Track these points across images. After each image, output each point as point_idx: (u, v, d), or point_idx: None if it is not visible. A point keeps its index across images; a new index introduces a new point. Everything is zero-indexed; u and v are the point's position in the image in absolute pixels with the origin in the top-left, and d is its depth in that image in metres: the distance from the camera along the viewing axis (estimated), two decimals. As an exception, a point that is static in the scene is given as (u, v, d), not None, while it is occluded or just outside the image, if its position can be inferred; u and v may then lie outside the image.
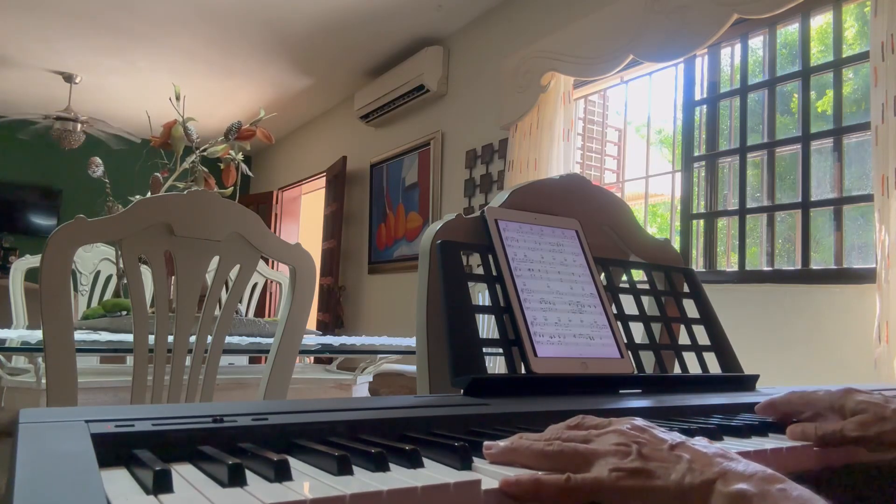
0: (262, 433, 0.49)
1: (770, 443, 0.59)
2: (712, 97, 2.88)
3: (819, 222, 2.49)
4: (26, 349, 1.54)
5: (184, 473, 0.42)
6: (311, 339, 2.14)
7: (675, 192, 3.04)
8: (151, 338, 1.31)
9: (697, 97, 2.93)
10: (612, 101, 3.79)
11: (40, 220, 6.73)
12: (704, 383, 0.94)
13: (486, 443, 0.51)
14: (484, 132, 4.07)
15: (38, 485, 0.34)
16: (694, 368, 0.99)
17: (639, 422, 0.50)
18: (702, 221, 2.87)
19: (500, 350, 0.83)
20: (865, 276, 2.20)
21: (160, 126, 2.30)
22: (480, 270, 0.87)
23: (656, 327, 1.01)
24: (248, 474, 0.39)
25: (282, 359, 1.47)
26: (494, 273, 0.87)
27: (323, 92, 5.74)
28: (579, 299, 0.90)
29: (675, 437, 0.47)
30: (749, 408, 0.74)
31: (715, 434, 0.60)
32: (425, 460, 0.46)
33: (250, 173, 2.56)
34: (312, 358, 3.60)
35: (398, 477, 0.41)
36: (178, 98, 2.27)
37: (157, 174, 2.22)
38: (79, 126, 5.06)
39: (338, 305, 5.52)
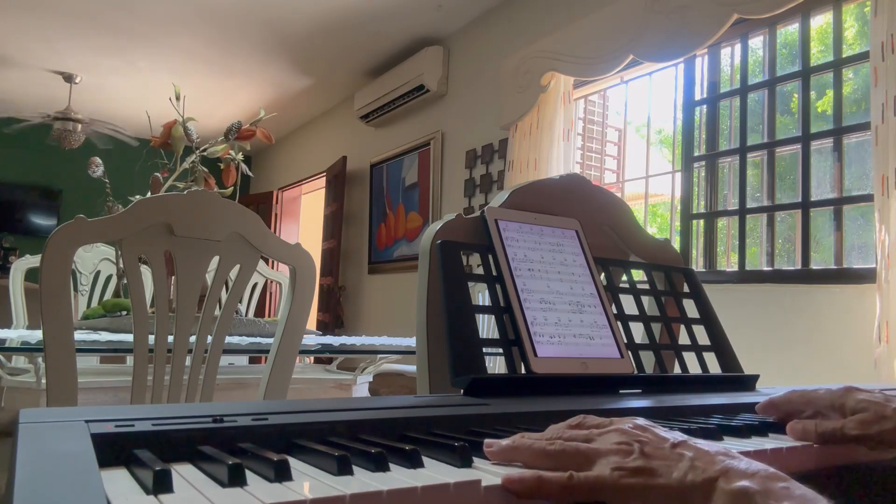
0: (262, 433, 0.49)
1: (770, 443, 0.59)
2: (712, 97, 2.88)
3: (819, 222, 2.49)
4: (26, 349, 1.54)
5: (184, 473, 0.42)
6: (311, 339, 2.14)
7: (675, 192, 3.04)
8: (151, 338, 1.31)
9: (697, 97, 2.93)
10: (612, 101, 3.79)
11: (40, 220, 6.73)
12: (704, 383, 0.94)
13: (486, 441, 0.51)
14: (484, 132, 4.07)
15: (38, 485, 0.34)
16: (694, 368, 0.99)
17: (640, 421, 0.50)
18: (702, 221, 2.87)
19: (500, 350, 0.83)
20: (865, 276, 2.20)
21: (160, 126, 2.30)
22: (480, 270, 0.87)
23: (656, 327, 1.01)
24: (248, 474, 0.39)
25: (282, 359, 1.47)
26: (494, 273, 0.87)
27: (323, 92, 5.74)
28: (579, 299, 0.90)
29: (678, 435, 0.47)
30: (749, 408, 0.74)
31: (715, 434, 0.60)
32: (425, 460, 0.46)
33: (250, 173, 2.56)
34: (312, 358, 3.60)
35: (398, 477, 0.41)
36: (178, 98, 2.27)
37: (157, 174, 2.22)
38: (79, 126, 5.06)
39: (338, 305, 5.52)
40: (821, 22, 2.68)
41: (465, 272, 0.83)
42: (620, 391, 0.85)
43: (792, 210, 2.55)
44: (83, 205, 2.71)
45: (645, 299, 1.01)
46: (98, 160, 2.37)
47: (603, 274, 1.00)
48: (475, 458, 0.48)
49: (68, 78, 5.38)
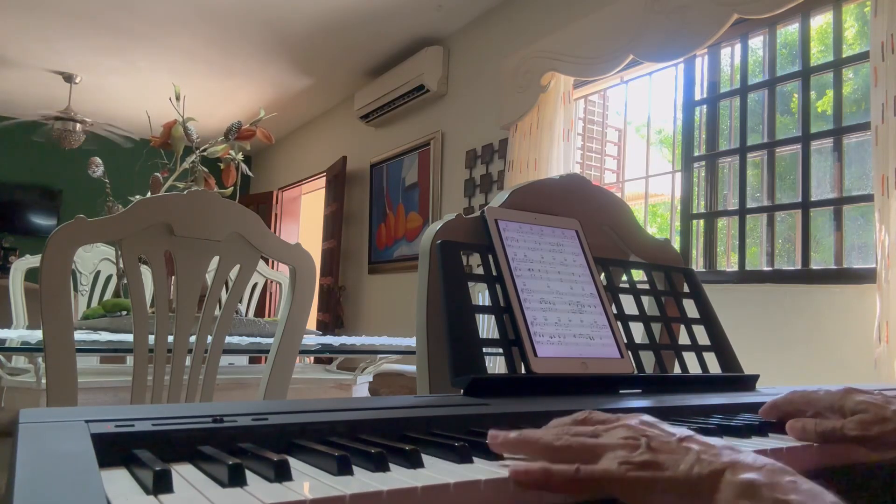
0: (262, 433, 0.49)
1: (770, 443, 0.59)
2: (712, 97, 2.88)
3: (819, 222, 2.49)
4: (26, 349, 1.54)
5: (184, 473, 0.42)
6: (311, 339, 2.14)
7: (675, 192, 3.04)
8: (151, 338, 1.31)
9: (697, 97, 2.93)
10: (612, 101, 3.79)
11: (40, 220, 6.73)
12: (704, 383, 0.94)
13: (491, 432, 0.51)
14: (484, 132, 4.07)
15: (38, 485, 0.34)
16: (694, 368, 0.99)
17: (646, 418, 0.50)
18: (702, 221, 2.87)
19: (500, 350, 0.83)
20: (865, 276, 2.20)
21: (160, 126, 2.30)
22: (480, 270, 0.87)
23: (656, 327, 1.01)
24: (248, 474, 0.39)
25: (282, 359, 1.47)
26: (494, 273, 0.87)
27: (323, 92, 5.74)
28: (579, 299, 0.90)
29: (684, 431, 0.47)
30: (749, 408, 0.74)
31: (715, 434, 0.60)
32: (425, 460, 0.46)
33: (250, 173, 2.56)
34: (312, 358, 3.60)
35: (398, 477, 0.41)
36: (178, 98, 2.27)
37: (157, 174, 2.22)
38: (79, 126, 5.06)
39: (338, 305, 5.52)
40: (821, 22, 2.69)
41: (465, 272, 0.83)
42: (620, 391, 0.85)
43: (792, 210, 2.55)
44: (83, 205, 2.71)
45: (645, 299, 1.01)
46: (98, 160, 2.37)
47: (603, 274, 1.00)
48: (475, 458, 0.48)
49: (68, 78, 5.38)
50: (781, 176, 2.67)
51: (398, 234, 4.93)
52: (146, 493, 0.37)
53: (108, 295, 2.81)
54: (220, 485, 0.39)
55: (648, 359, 0.97)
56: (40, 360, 1.69)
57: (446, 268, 0.82)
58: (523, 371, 0.80)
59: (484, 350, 0.78)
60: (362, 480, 0.40)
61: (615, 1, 3.09)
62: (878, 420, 0.59)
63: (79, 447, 0.40)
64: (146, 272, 1.87)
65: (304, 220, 7.17)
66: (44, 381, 1.47)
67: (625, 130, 3.79)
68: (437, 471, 0.43)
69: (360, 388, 2.39)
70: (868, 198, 2.23)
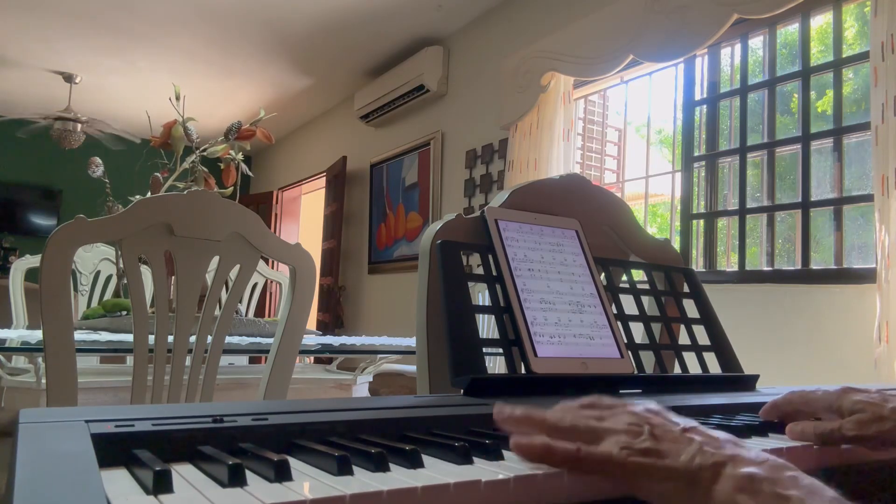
0: (262, 433, 0.49)
1: (770, 443, 0.59)
2: (712, 97, 2.88)
3: (819, 222, 2.49)
4: (26, 349, 1.54)
5: (184, 473, 0.42)
6: (311, 339, 2.14)
7: (675, 192, 3.04)
8: (151, 338, 1.31)
9: (697, 97, 2.93)
10: (612, 101, 3.79)
11: (40, 220, 6.73)
12: (704, 383, 0.94)
13: (497, 406, 0.51)
14: (484, 132, 4.07)
15: (38, 485, 0.34)
16: (694, 368, 0.99)
17: (652, 405, 0.50)
18: (702, 221, 2.87)
19: (500, 350, 0.83)
20: (865, 276, 2.20)
21: (160, 126, 2.30)
22: (480, 270, 0.87)
23: (656, 327, 1.01)
24: (248, 474, 0.39)
25: (282, 359, 1.47)
26: (494, 273, 0.87)
27: (323, 92, 5.74)
28: (579, 299, 0.90)
29: (689, 421, 0.48)
30: (749, 408, 0.74)
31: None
32: (425, 460, 0.46)
33: (250, 173, 2.56)
34: (312, 358, 3.60)
35: (398, 477, 0.41)
36: (178, 98, 2.27)
37: (157, 174, 2.22)
38: (79, 126, 5.06)
39: (338, 305, 5.52)
40: (821, 22, 2.69)
41: (465, 272, 0.83)
42: (620, 391, 0.85)
43: (792, 210, 2.55)
44: (83, 205, 2.71)
45: (645, 299, 1.01)
46: (98, 160, 2.37)
47: (603, 274, 1.00)
48: (475, 458, 0.48)
49: (68, 78, 5.38)
50: (781, 176, 2.68)
51: (398, 234, 4.93)
52: (146, 493, 0.37)
53: (108, 295, 2.81)
54: (221, 485, 0.39)
55: (648, 359, 0.97)
56: (40, 360, 1.69)
57: (446, 268, 0.82)
58: (523, 371, 0.80)
59: (484, 350, 0.78)
60: (362, 480, 0.40)
61: (615, 1, 3.09)
62: (876, 419, 0.59)
63: (79, 447, 0.40)
64: (146, 272, 1.87)
65: (304, 220, 7.17)
66: (44, 381, 1.47)
67: (625, 130, 3.79)
68: (437, 471, 0.43)
69: (360, 388, 2.39)
70: (868, 198, 2.23)
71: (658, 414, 0.49)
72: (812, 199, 2.45)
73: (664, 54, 2.83)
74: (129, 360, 2.00)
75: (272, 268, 3.17)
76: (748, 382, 0.97)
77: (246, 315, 2.97)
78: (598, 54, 3.12)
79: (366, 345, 2.09)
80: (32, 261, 2.65)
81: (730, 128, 2.84)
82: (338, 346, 2.00)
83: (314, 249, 4.50)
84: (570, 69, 3.30)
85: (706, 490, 0.41)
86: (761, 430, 0.64)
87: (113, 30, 4.54)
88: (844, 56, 2.42)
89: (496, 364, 2.27)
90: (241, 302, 2.92)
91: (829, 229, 2.42)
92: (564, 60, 3.31)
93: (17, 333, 1.69)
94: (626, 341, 0.91)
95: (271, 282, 3.86)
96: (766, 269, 2.61)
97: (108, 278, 2.84)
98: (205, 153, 2.26)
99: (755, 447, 0.56)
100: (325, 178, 5.97)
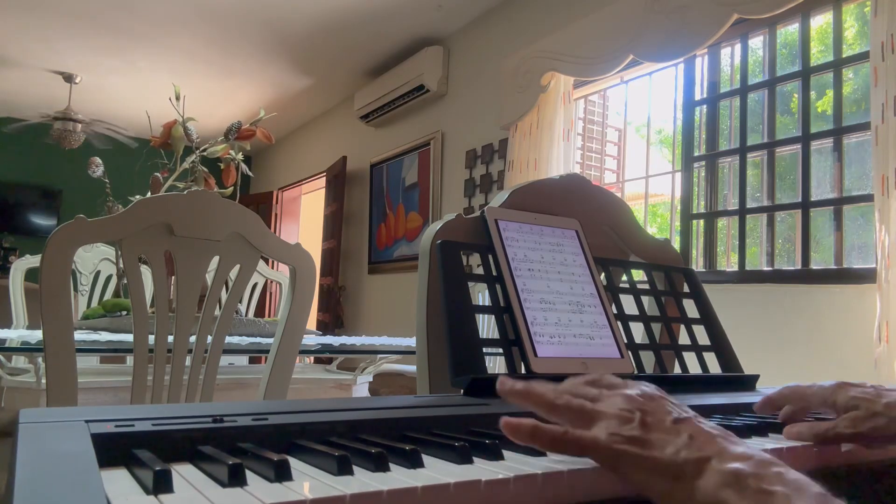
0: (262, 433, 0.49)
1: (770, 443, 0.59)
2: (712, 97, 2.88)
3: (819, 222, 2.49)
4: (26, 349, 1.54)
5: (184, 473, 0.42)
6: (311, 339, 2.14)
7: (675, 192, 3.04)
8: (151, 338, 1.31)
9: (697, 97, 2.93)
10: (612, 101, 3.79)
11: (40, 220, 6.73)
12: (704, 383, 0.94)
13: (501, 377, 0.52)
14: (484, 132, 4.07)
15: (38, 485, 0.34)
16: (694, 368, 0.99)
17: (650, 389, 0.50)
18: (702, 221, 2.87)
19: (500, 350, 0.83)
20: (865, 276, 2.20)
21: (160, 126, 2.30)
22: (480, 270, 0.87)
23: (656, 327, 1.01)
24: (248, 474, 0.39)
25: (282, 359, 1.47)
26: (494, 273, 0.87)
27: (323, 92, 5.74)
28: (579, 299, 0.90)
29: (683, 412, 0.47)
30: (749, 408, 0.74)
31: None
32: (425, 460, 0.46)
33: (250, 173, 2.56)
34: (312, 358, 3.60)
35: (398, 477, 0.41)
36: (178, 98, 2.27)
37: (157, 174, 2.22)
38: (79, 126, 5.06)
39: (338, 305, 5.52)
40: (821, 22, 2.69)
41: (465, 272, 0.83)
42: (620, 391, 0.85)
43: (792, 210, 2.55)
44: (83, 205, 2.71)
45: (645, 299, 1.01)
46: (98, 160, 2.37)
47: (603, 274, 1.00)
48: (475, 458, 0.48)
49: (68, 78, 5.38)
50: (781, 176, 2.68)
51: (398, 234, 4.93)
52: (146, 493, 0.37)
53: (108, 295, 2.81)
54: (221, 485, 0.39)
55: (648, 359, 0.97)
56: (40, 360, 1.69)
57: (446, 268, 0.82)
58: (523, 371, 0.80)
59: (484, 350, 0.78)
60: (362, 480, 0.40)
61: (615, 1, 3.09)
62: (870, 415, 0.58)
63: (79, 447, 0.40)
64: (146, 272, 1.87)
65: (304, 220, 7.17)
66: (44, 381, 1.47)
67: (625, 130, 3.79)
68: (437, 471, 0.43)
69: (360, 388, 2.39)
70: (868, 198, 2.23)
71: (653, 400, 0.48)
72: (812, 199, 2.45)
73: (664, 54, 2.83)
74: (129, 360, 2.00)
75: (272, 268, 3.17)
76: (748, 382, 0.97)
77: (246, 315, 2.97)
78: (598, 54, 3.12)
79: (366, 345, 2.09)
80: (32, 261, 2.65)
81: (730, 128, 2.84)
82: (338, 346, 2.00)
83: (314, 249, 4.50)
84: (570, 69, 3.30)
85: (690, 484, 0.41)
86: (761, 429, 0.64)
87: (113, 30, 4.54)
88: (844, 56, 2.42)
89: (496, 364, 2.27)
90: (241, 302, 2.92)
91: (829, 229, 2.42)
92: (564, 60, 3.31)
93: (17, 333, 1.69)
94: (626, 341, 0.91)
95: (271, 282, 3.86)
96: (766, 269, 2.61)
97: (108, 278, 2.84)
98: (205, 153, 2.26)
99: (755, 446, 0.56)
100: (325, 178, 5.97)
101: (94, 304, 2.74)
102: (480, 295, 2.10)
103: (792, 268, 2.52)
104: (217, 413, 0.50)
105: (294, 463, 0.44)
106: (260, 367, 2.24)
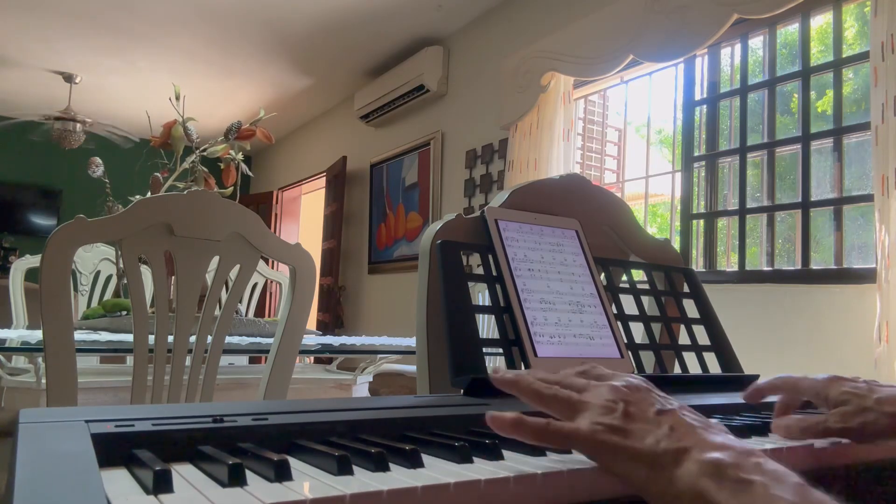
0: (262, 433, 0.49)
1: (770, 443, 0.59)
2: (712, 97, 2.88)
3: (819, 222, 2.49)
4: (26, 349, 1.54)
5: (184, 473, 0.42)
6: (311, 339, 2.14)
7: (675, 192, 3.04)
8: (151, 338, 1.31)
9: (697, 97, 2.93)
10: (612, 101, 3.79)
11: (40, 220, 6.73)
12: (704, 383, 0.94)
13: (494, 367, 0.53)
14: (484, 132, 4.07)
15: (38, 485, 0.34)
16: (694, 368, 0.99)
17: (636, 381, 0.50)
18: (702, 221, 2.87)
19: (500, 350, 0.83)
20: (865, 276, 2.20)
21: (160, 126, 2.31)
22: (480, 270, 0.87)
23: (656, 327, 1.01)
24: (248, 474, 0.39)
25: (282, 359, 1.47)
26: (494, 273, 0.87)
27: (323, 92, 5.74)
28: (579, 299, 0.90)
29: (668, 404, 0.47)
30: (749, 408, 0.74)
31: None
32: (425, 460, 0.46)
33: (250, 173, 2.56)
34: (312, 358, 3.60)
35: (398, 477, 0.41)
36: (178, 98, 2.27)
37: (157, 174, 2.22)
38: (79, 126, 5.06)
39: (338, 305, 5.52)
40: (821, 22, 2.69)
41: (465, 272, 0.83)
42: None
43: (792, 210, 2.55)
44: (83, 205, 2.71)
45: (645, 299, 1.01)
46: (98, 160, 2.37)
47: (603, 274, 1.00)
48: (475, 458, 0.48)
49: (68, 78, 5.38)
50: (781, 176, 2.68)
51: (398, 234, 4.93)
52: (146, 492, 0.37)
53: (108, 295, 2.81)
54: (221, 485, 0.39)
55: (648, 359, 0.97)
56: (40, 360, 1.69)
57: (446, 268, 0.82)
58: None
59: (484, 350, 0.78)
60: (362, 480, 0.40)
61: (615, 1, 3.09)
62: (860, 410, 0.58)
63: (79, 447, 0.40)
64: (146, 272, 1.87)
65: (304, 220, 7.17)
66: (44, 381, 1.47)
67: (625, 130, 3.79)
68: (437, 471, 0.43)
69: (360, 388, 2.39)
70: (868, 198, 2.23)
71: (638, 391, 0.49)
72: (812, 199, 2.45)
73: (664, 54, 2.83)
74: (129, 360, 2.00)
75: (272, 268, 3.17)
76: (748, 382, 0.96)
77: (246, 315, 2.97)
78: (598, 54, 3.12)
79: (366, 345, 2.09)
80: (32, 261, 2.65)
81: (730, 128, 2.84)
82: (338, 346, 2.00)
83: (314, 249, 4.50)
84: (570, 69, 3.30)
85: (669, 473, 0.42)
86: (761, 429, 0.64)
87: (113, 30, 4.54)
88: (844, 56, 2.42)
89: (496, 364, 2.27)
90: (241, 302, 2.92)
91: (829, 229, 2.42)
92: (564, 60, 3.31)
93: (17, 333, 1.69)
94: (626, 341, 0.91)
95: (271, 282, 3.86)
96: (766, 269, 2.61)
97: (108, 278, 2.84)
98: (205, 153, 2.26)
99: (755, 446, 0.56)
100: (325, 178, 5.97)
101: (94, 304, 2.74)
102: (480, 295, 2.10)
103: (792, 268, 2.52)
104: (217, 413, 0.50)
105: (294, 463, 0.44)
106: (260, 367, 2.24)
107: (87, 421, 0.45)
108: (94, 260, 2.79)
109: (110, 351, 1.58)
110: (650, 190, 3.36)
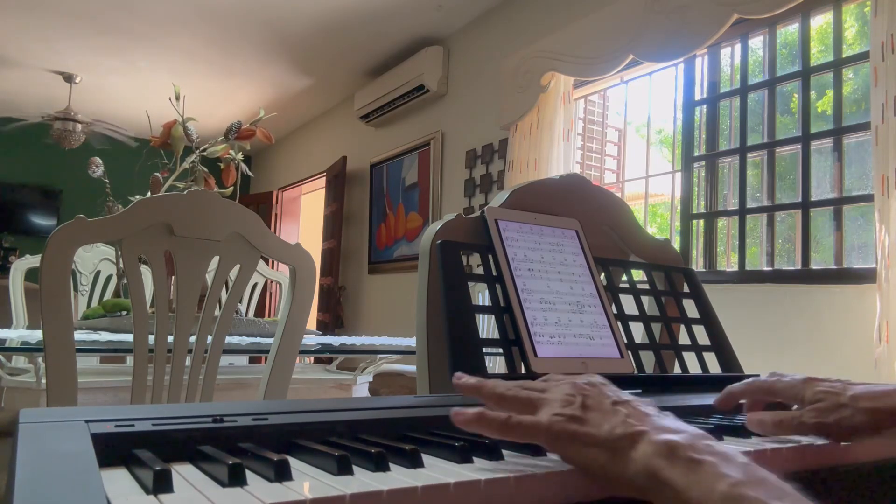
0: (262, 433, 0.49)
1: (770, 443, 0.59)
2: (712, 97, 2.88)
3: (819, 222, 2.49)
4: (26, 349, 1.54)
5: (184, 473, 0.42)
6: (311, 339, 2.14)
7: (675, 192, 3.04)
8: (151, 338, 1.31)
9: (697, 97, 2.93)
10: (612, 101, 3.79)
11: (40, 220, 6.73)
12: (704, 383, 0.94)
13: (457, 373, 0.56)
14: (484, 132, 4.07)
15: (38, 485, 0.34)
16: (694, 368, 0.99)
17: (595, 379, 0.53)
18: (702, 221, 2.87)
19: (500, 350, 0.83)
20: (865, 276, 2.20)
21: (160, 126, 2.31)
22: (480, 270, 0.87)
23: (656, 327, 1.01)
24: (248, 474, 0.39)
25: (282, 359, 1.47)
26: (494, 273, 0.87)
27: (323, 92, 5.74)
28: (579, 299, 0.90)
29: (624, 396, 0.50)
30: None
31: (714, 434, 0.60)
32: (425, 460, 0.46)
33: (250, 173, 2.56)
34: (312, 358, 3.60)
35: (398, 477, 0.41)
36: (178, 98, 2.27)
37: (157, 174, 2.22)
38: (79, 126, 5.06)
39: (338, 305, 5.52)
40: (821, 22, 2.69)
41: (465, 272, 0.83)
42: (620, 391, 0.85)
43: (792, 210, 2.55)
44: (83, 205, 2.71)
45: (645, 299, 1.01)
46: (98, 160, 2.37)
47: (603, 274, 1.00)
48: (475, 458, 0.48)
49: (68, 78, 5.38)
50: (781, 176, 2.68)
51: (398, 234, 4.93)
52: (146, 492, 0.37)
53: (108, 295, 2.81)
54: (221, 484, 0.39)
55: (648, 359, 0.97)
56: (40, 360, 1.69)
57: (446, 268, 0.82)
58: (523, 371, 0.80)
59: (484, 350, 0.78)
60: (362, 480, 0.40)
61: (615, 1, 3.09)
62: (835, 407, 0.60)
63: (79, 447, 0.40)
64: (146, 272, 1.87)
65: (304, 220, 7.17)
66: (44, 381, 1.47)
67: (625, 130, 3.79)
68: (437, 471, 0.43)
69: (360, 388, 2.39)
70: (868, 198, 2.23)
71: (595, 386, 0.51)
72: (812, 199, 2.45)
73: (664, 54, 2.83)
74: (129, 360, 2.00)
75: (272, 268, 3.17)
76: (748, 382, 0.97)
77: (246, 315, 2.97)
78: (598, 54, 3.12)
79: (366, 345, 2.09)
80: (32, 261, 2.65)
81: (730, 128, 2.84)
82: (338, 346, 2.00)
83: (314, 249, 4.50)
84: (570, 69, 3.30)
85: (625, 457, 0.43)
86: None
87: (113, 30, 4.54)
88: (844, 56, 2.42)
89: (496, 364, 2.27)
90: (241, 302, 2.92)
91: (829, 229, 2.42)
92: (564, 60, 3.31)
93: (17, 333, 1.69)
94: (626, 341, 0.91)
95: (271, 282, 3.86)
96: (766, 269, 2.61)
97: (108, 278, 2.84)
98: (205, 153, 2.26)
99: (753, 447, 0.56)
100: (325, 178, 5.97)
101: (94, 304, 2.74)
102: (480, 295, 2.10)
103: (792, 268, 2.52)
104: (217, 413, 0.50)
105: (294, 463, 0.44)
106: (260, 367, 2.24)
107: (87, 421, 0.45)
108: (94, 260, 2.79)
109: (110, 351, 1.58)
110: (650, 190, 3.36)
